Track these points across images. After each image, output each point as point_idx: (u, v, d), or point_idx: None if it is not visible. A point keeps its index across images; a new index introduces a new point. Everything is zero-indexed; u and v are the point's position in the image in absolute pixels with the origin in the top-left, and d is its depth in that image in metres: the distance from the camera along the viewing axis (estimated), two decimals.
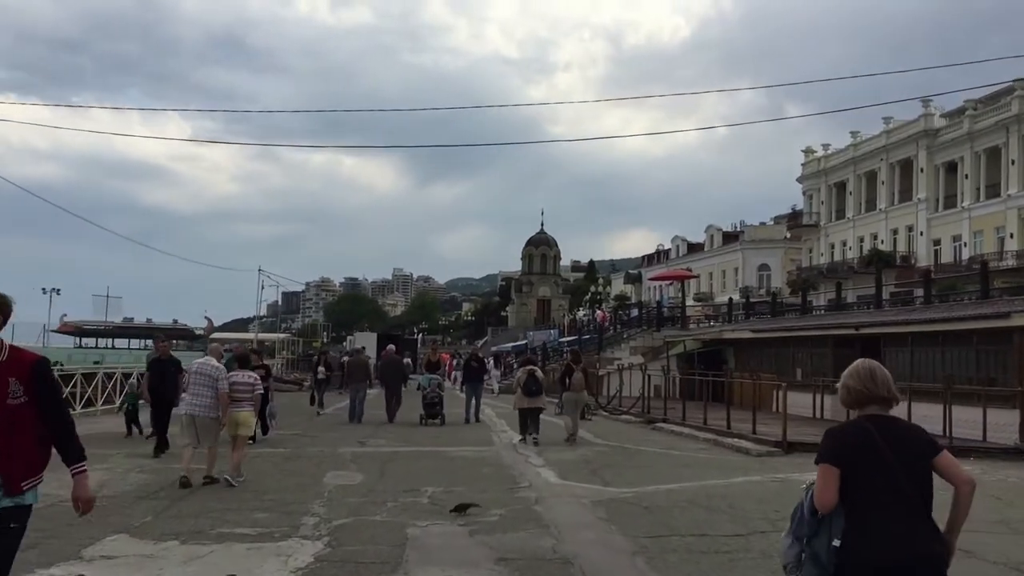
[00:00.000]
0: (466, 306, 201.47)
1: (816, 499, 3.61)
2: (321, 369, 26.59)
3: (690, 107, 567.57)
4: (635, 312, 46.58)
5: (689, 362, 33.01)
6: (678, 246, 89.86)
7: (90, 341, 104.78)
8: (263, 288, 64.00)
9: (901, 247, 58.02)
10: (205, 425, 11.36)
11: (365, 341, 46.61)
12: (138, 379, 18.62)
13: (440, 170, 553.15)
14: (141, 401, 16.55)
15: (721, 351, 33.06)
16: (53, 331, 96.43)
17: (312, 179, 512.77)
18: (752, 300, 46.54)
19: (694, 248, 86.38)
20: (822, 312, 39.76)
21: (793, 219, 79.49)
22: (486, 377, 27.56)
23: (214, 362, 11.77)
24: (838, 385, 3.85)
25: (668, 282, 69.92)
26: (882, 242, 59.55)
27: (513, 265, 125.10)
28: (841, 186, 65.80)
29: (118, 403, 20.81)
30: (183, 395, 12.22)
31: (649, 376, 24.35)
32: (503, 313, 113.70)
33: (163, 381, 14.26)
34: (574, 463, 14.14)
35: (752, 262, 76.00)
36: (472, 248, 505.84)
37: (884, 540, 3.49)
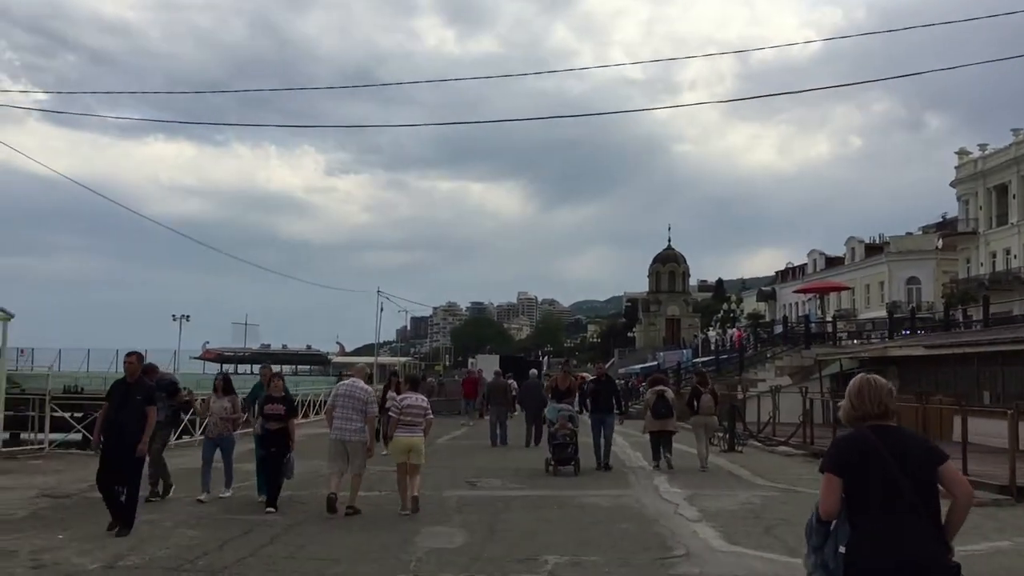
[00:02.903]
0: (591, 328, 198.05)
1: (820, 507, 3.80)
2: (392, 395, 18.12)
3: (822, 119, 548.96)
4: (779, 329, 42.53)
5: (845, 383, 29.30)
6: (815, 260, 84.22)
7: (230, 367, 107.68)
8: (382, 311, 62.60)
9: None
10: (355, 450, 10.89)
11: (486, 364, 44.40)
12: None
13: (565, 195, 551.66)
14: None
15: (882, 371, 29.10)
16: (195, 358, 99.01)
17: (440, 207, 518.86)
18: (917, 316, 41.66)
19: (833, 262, 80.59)
20: (978, 328, 35.11)
21: (943, 228, 73.42)
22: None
23: (362, 384, 11.34)
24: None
25: (808, 297, 65.32)
26: None
27: (637, 287, 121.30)
28: (1002, 189, 59.54)
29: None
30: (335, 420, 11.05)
31: (812, 400, 20.82)
32: (629, 334, 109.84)
33: (120, 414, 9.70)
34: (739, 516, 10.97)
35: (899, 275, 69.96)
36: (596, 271, 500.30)
37: (887, 546, 3.58)
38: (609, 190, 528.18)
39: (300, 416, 28.00)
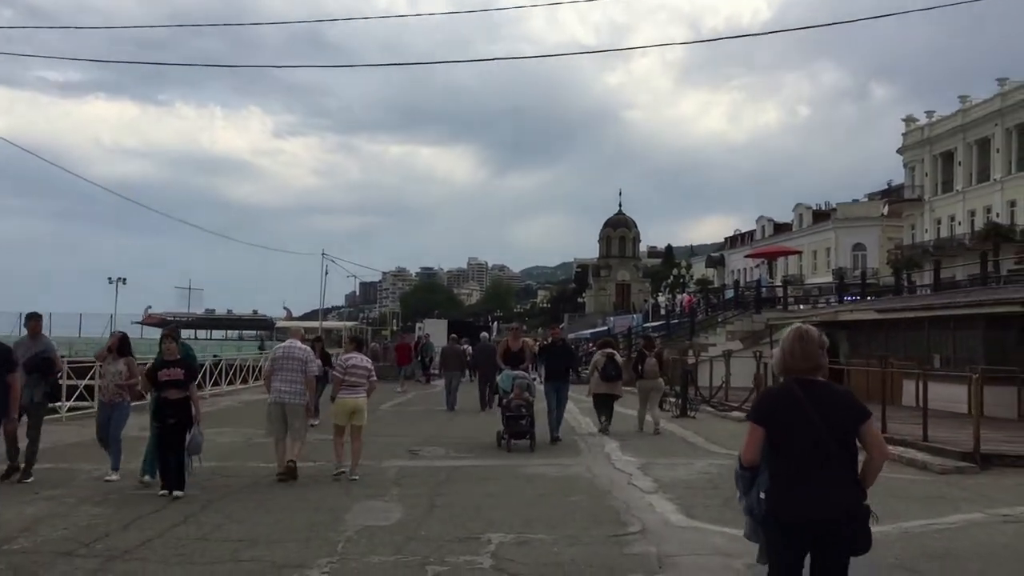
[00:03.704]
0: (541, 294, 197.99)
1: (742, 455, 3.96)
2: (317, 364, 15.71)
3: (772, 89, 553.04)
4: (730, 294, 42.24)
5: None
6: (763, 226, 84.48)
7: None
8: (327, 274, 61.18)
9: (1021, 220, 52.25)
10: (296, 412, 10.56)
11: (435, 329, 43.66)
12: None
13: (517, 160, 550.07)
14: None
15: (832, 335, 28.81)
16: (137, 323, 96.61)
17: (390, 171, 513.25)
18: (868, 280, 41.59)
19: (781, 228, 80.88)
20: (927, 293, 35.11)
21: (889, 195, 74.02)
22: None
23: (300, 344, 10.97)
24: (774, 350, 4.20)
25: (757, 262, 65.58)
26: (997, 215, 53.90)
27: (587, 253, 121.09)
28: (948, 156, 59.92)
29: None
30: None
31: (765, 364, 20.31)
32: (579, 300, 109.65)
33: None
34: (696, 486, 10.31)
35: (846, 242, 70.41)
36: (546, 237, 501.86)
37: (803, 495, 3.73)
38: (560, 156, 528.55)
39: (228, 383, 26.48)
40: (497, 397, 14.53)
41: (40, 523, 7.95)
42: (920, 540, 7.50)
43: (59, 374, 11.61)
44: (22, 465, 10.12)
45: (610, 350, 17.29)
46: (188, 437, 9.37)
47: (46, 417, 11.45)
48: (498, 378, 14.76)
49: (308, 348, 11.19)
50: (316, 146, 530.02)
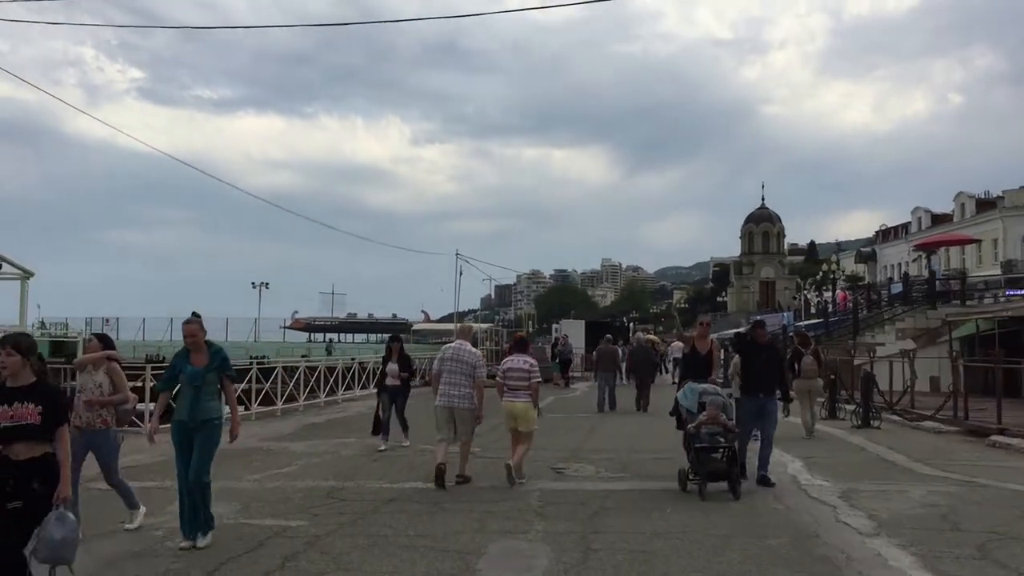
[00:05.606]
0: (676, 294, 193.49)
1: None
2: (394, 368, 13.93)
3: (920, 77, 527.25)
4: (897, 288, 38.50)
5: (974, 347, 26.01)
6: (920, 218, 78.66)
7: (319, 336, 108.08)
8: (461, 275, 60.20)
9: None
10: (463, 417, 10.21)
11: (571, 330, 42.20)
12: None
13: (649, 160, 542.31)
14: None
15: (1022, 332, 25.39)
16: (286, 327, 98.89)
17: (524, 174, 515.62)
18: None
19: (939, 219, 75.05)
20: None
21: None
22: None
23: (469, 347, 10.51)
24: None
25: (914, 256, 60.75)
26: None
27: (724, 252, 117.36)
28: None
29: None
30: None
31: (965, 366, 17.44)
32: (719, 299, 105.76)
33: None
34: (928, 525, 7.92)
35: (1016, 231, 64.31)
36: (681, 237, 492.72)
37: None
38: (694, 155, 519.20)
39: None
40: (677, 417, 10.52)
41: (109, 568, 6.47)
42: None
43: None
44: None
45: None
46: (46, 526, 4.96)
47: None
48: (678, 395, 10.71)
49: (477, 351, 10.64)
50: (453, 152, 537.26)
